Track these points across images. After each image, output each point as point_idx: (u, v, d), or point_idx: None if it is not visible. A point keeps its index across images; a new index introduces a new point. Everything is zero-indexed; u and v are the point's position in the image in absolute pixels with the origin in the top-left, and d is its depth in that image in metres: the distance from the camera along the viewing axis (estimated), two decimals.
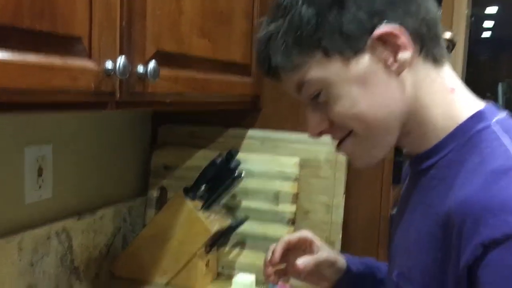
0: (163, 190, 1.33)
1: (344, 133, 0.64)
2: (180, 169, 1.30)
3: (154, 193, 1.33)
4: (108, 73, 0.69)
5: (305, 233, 0.83)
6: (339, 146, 0.66)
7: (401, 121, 0.61)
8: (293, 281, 0.86)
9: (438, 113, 0.61)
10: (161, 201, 1.32)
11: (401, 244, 0.65)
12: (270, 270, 0.81)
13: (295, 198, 1.21)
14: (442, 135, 0.61)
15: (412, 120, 0.62)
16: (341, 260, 0.82)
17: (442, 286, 0.53)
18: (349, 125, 0.62)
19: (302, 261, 0.78)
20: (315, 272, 0.80)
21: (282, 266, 0.83)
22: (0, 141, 0.94)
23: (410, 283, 0.59)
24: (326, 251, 0.82)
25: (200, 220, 1.13)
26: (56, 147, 1.06)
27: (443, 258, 0.53)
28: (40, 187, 1.01)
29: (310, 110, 0.66)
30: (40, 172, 1.01)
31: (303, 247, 0.82)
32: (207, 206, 1.17)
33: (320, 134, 0.66)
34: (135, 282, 1.17)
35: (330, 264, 0.81)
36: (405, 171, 0.76)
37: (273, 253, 0.81)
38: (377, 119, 0.61)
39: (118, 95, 0.74)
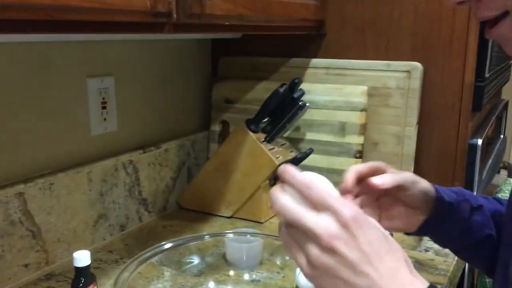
0: (225, 124, 1.31)
1: (496, 12, 0.48)
2: (241, 102, 1.27)
3: (217, 127, 1.31)
4: None
5: (376, 163, 0.64)
6: (491, 29, 0.51)
7: None
8: None
9: None
10: (224, 135, 1.31)
11: None
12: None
13: (363, 129, 1.15)
14: None
15: None
16: (424, 182, 0.65)
17: None
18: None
19: (378, 177, 0.60)
20: (393, 203, 0.65)
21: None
22: (63, 72, 0.94)
23: None
24: (404, 173, 0.65)
25: (264, 152, 1.10)
26: (118, 80, 1.05)
27: None
28: (105, 119, 1.02)
29: None
30: (104, 105, 1.02)
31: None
32: (270, 139, 1.14)
33: (461, 3, 0.50)
34: (201, 214, 1.18)
35: (413, 181, 0.63)
36: None
37: (343, 182, 0.63)
38: None
39: (175, 16, 0.70)
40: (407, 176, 0.64)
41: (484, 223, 0.68)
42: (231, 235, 0.89)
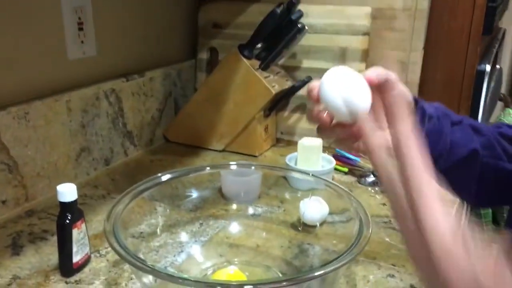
0: (213, 51, 1.21)
1: None
2: (231, 27, 1.17)
3: (204, 55, 1.21)
4: None
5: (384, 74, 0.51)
6: None
7: None
8: None
9: None
10: (212, 64, 1.21)
11: None
12: None
13: (365, 55, 1.06)
14: None
15: None
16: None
17: None
18: None
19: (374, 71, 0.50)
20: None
21: None
22: None
23: None
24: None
25: (259, 80, 1.02)
26: None
27: None
28: (82, 42, 0.91)
29: None
30: (80, 26, 0.90)
31: None
32: (265, 66, 1.05)
33: None
34: (191, 148, 1.11)
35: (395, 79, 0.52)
36: None
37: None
38: None
39: None
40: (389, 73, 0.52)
41: (467, 137, 0.62)
42: (234, 167, 0.82)
